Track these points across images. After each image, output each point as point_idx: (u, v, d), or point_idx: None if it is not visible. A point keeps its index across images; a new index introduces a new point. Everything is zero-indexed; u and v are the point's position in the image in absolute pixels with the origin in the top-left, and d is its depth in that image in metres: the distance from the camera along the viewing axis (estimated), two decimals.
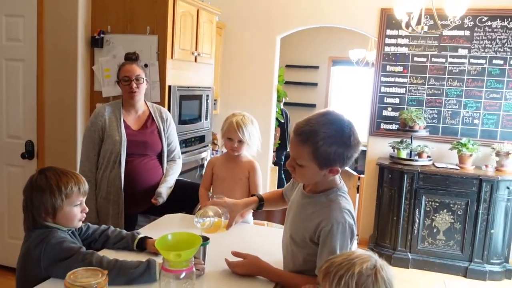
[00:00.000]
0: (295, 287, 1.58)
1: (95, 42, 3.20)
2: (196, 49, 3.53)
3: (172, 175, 2.69)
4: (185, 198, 2.61)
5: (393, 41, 4.31)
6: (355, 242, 1.69)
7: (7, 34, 3.28)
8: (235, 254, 1.74)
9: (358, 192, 4.68)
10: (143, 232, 1.97)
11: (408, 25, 3.24)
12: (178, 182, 2.74)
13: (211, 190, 2.49)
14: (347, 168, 5.03)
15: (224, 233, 1.91)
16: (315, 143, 1.45)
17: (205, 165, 2.83)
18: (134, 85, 2.55)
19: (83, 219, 1.72)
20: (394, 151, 4.26)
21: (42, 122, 3.29)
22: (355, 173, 4.72)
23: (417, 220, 4.07)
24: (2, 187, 3.45)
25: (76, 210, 1.67)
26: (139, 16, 3.14)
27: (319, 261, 1.53)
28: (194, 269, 1.39)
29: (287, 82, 7.52)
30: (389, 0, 4.01)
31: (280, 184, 5.56)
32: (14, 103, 3.34)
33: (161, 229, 2.10)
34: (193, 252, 1.37)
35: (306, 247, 1.59)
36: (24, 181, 3.40)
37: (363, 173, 4.70)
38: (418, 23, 3.22)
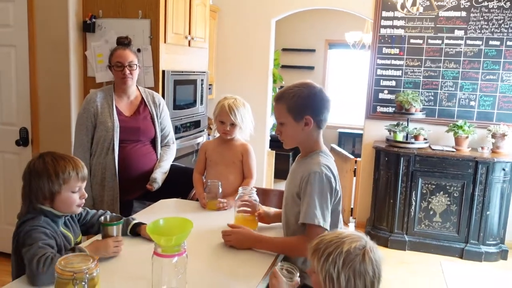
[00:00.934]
0: (288, 249, 1.72)
1: (87, 27, 3.16)
2: (189, 33, 3.49)
3: (167, 160, 2.68)
4: (180, 183, 2.61)
5: (389, 23, 4.26)
6: (350, 225, 1.73)
7: None
8: (230, 226, 1.88)
9: (354, 176, 4.70)
10: (138, 217, 1.98)
11: (403, 6, 3.21)
12: (172, 167, 2.73)
13: (205, 174, 2.48)
14: (342, 150, 5.00)
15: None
16: (287, 99, 1.71)
17: None
18: (127, 71, 2.52)
19: (82, 205, 1.70)
20: (390, 134, 4.25)
21: (36, 108, 3.26)
22: (351, 156, 4.74)
23: (413, 203, 4.08)
24: None
25: (75, 196, 1.65)
26: (131, 0, 3.10)
27: (301, 211, 1.68)
28: (185, 254, 1.39)
29: (283, 66, 7.49)
30: None
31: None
32: (7, 90, 3.31)
33: (156, 214, 2.10)
34: (184, 237, 1.37)
35: (294, 204, 1.74)
36: (20, 168, 3.42)
37: (359, 157, 4.70)
38: (414, 4, 3.19)
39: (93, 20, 3.15)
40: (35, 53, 3.18)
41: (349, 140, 7.49)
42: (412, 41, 4.24)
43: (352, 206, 4.78)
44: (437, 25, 4.14)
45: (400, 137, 4.15)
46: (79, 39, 3.18)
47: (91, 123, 2.51)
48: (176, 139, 3.33)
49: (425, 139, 4.16)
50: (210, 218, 2.14)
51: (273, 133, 5.57)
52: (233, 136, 2.38)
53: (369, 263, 1.17)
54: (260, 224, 2.04)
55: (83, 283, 1.19)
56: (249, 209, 2.00)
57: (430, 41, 4.18)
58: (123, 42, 2.61)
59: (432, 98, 4.26)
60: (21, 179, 3.29)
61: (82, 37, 3.20)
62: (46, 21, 3.13)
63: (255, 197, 2.04)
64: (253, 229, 1.93)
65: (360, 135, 4.75)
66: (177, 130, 3.42)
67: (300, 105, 1.69)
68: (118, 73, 2.53)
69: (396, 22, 4.25)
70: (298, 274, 1.38)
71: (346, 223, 4.77)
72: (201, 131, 3.81)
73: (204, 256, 1.74)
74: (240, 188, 2.07)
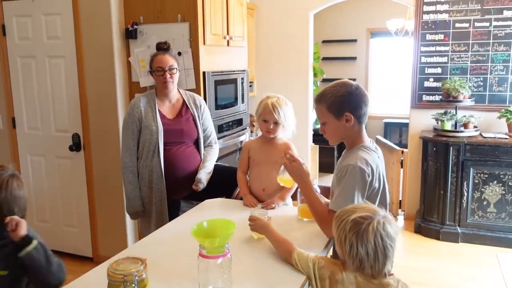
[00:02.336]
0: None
1: (129, 34, 3.27)
2: (227, 33, 3.53)
3: (210, 160, 2.74)
4: (225, 182, 2.65)
5: (431, 8, 4.12)
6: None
7: (47, 33, 3.41)
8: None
9: (402, 167, 4.58)
10: (185, 217, 2.02)
11: None
12: (216, 167, 2.78)
13: (248, 173, 2.51)
14: (387, 141, 4.91)
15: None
16: (326, 99, 1.80)
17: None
18: (168, 76, 2.58)
19: None
20: (438, 123, 4.12)
21: (86, 115, 3.42)
22: (397, 147, 4.63)
23: (465, 193, 3.93)
24: (54, 178, 3.64)
25: None
26: (170, 5, 3.17)
27: (330, 200, 1.79)
28: (229, 254, 1.42)
29: (325, 58, 7.41)
30: None
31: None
32: (58, 99, 3.49)
33: (203, 214, 2.16)
34: (227, 238, 1.41)
35: None
36: (74, 172, 3.60)
37: (406, 147, 4.59)
38: None
39: (135, 26, 3.25)
40: (83, 62, 3.33)
41: (396, 130, 7.31)
42: (457, 25, 4.07)
43: (400, 198, 4.67)
44: (484, 7, 3.95)
45: (448, 125, 4.01)
46: (123, 46, 3.30)
47: (136, 127, 2.60)
48: (219, 138, 3.40)
49: (475, 126, 4.00)
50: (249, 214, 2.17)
51: (317, 126, 5.56)
52: (276, 135, 2.38)
53: (372, 233, 1.30)
54: None
55: (133, 285, 1.25)
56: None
57: (477, 24, 4.00)
58: (162, 47, 2.68)
59: (482, 83, 4.08)
60: (76, 183, 3.47)
61: (125, 44, 3.31)
62: (91, 31, 3.26)
63: (316, 188, 2.02)
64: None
65: (407, 124, 4.62)
66: (220, 129, 3.47)
67: (339, 103, 1.78)
68: (159, 78, 2.60)
69: (439, 7, 4.10)
70: None
71: (395, 216, 4.67)
72: (243, 129, 3.85)
73: (248, 256, 1.77)
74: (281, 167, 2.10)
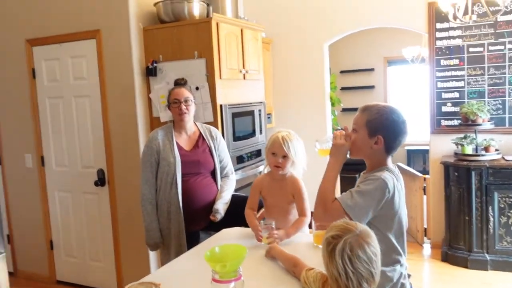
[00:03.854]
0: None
1: (150, 72, 3.42)
2: (243, 67, 3.65)
3: (227, 190, 2.79)
4: (242, 212, 2.67)
5: (444, 34, 4.16)
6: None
7: (74, 74, 3.61)
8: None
9: (425, 194, 4.53)
10: (203, 247, 2.05)
11: (455, 16, 3.14)
12: (234, 196, 2.83)
13: (259, 212, 2.49)
14: (409, 168, 4.87)
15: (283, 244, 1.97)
16: (369, 113, 1.77)
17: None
18: (184, 107, 2.69)
19: None
20: (458, 147, 4.08)
21: (110, 150, 3.55)
22: (419, 174, 4.59)
23: (491, 219, 3.84)
24: (80, 213, 3.76)
25: None
26: (187, 43, 3.32)
27: (344, 194, 1.73)
28: (242, 278, 1.46)
29: (343, 88, 7.49)
30: None
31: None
32: (84, 136, 3.65)
33: (220, 243, 2.19)
34: (239, 263, 1.44)
35: None
36: (99, 206, 3.72)
37: (428, 174, 4.54)
38: (466, 13, 3.11)
39: (154, 64, 3.41)
40: (106, 100, 3.50)
41: (419, 157, 7.24)
42: (471, 49, 4.09)
43: (425, 226, 4.59)
44: (497, 31, 3.97)
45: (469, 150, 3.97)
46: (143, 83, 3.45)
47: (155, 159, 2.69)
48: (238, 169, 3.47)
49: (496, 150, 3.95)
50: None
51: None
52: (285, 172, 2.33)
53: (339, 254, 1.28)
54: None
55: None
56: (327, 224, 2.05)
57: (491, 48, 4.02)
58: (180, 83, 2.81)
59: (500, 106, 4.05)
60: (101, 217, 3.57)
61: (146, 81, 3.47)
62: (114, 71, 3.44)
63: None
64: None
65: (426, 151, 4.60)
66: (238, 160, 3.54)
67: (379, 123, 1.74)
68: (175, 110, 2.71)
69: (452, 33, 4.14)
70: None
71: (420, 244, 4.58)
72: (261, 160, 3.90)
73: (261, 280, 1.79)
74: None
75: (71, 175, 3.75)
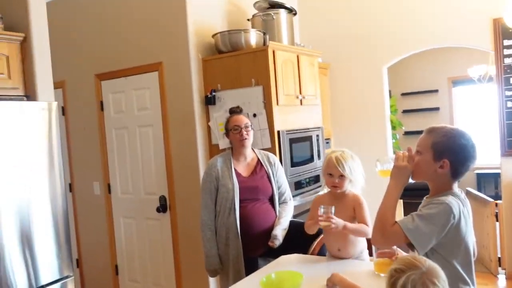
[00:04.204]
0: None
1: (208, 100, 3.52)
2: (300, 93, 3.66)
3: (286, 217, 2.77)
4: (300, 238, 2.64)
5: None
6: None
7: (138, 105, 3.80)
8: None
9: (497, 220, 4.23)
10: (261, 273, 2.03)
11: None
12: (292, 222, 2.80)
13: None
14: (479, 193, 4.60)
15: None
16: (436, 135, 1.69)
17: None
18: (244, 132, 2.74)
19: None
20: None
21: (171, 177, 3.66)
22: (490, 199, 4.31)
23: None
24: (144, 239, 3.87)
25: None
26: (244, 71, 3.39)
27: (406, 217, 1.64)
28: None
29: (405, 111, 7.27)
30: (500, 9, 3.73)
31: None
32: (147, 164, 3.79)
33: (278, 269, 2.16)
34: None
35: None
36: (161, 232, 3.82)
37: (500, 199, 4.25)
38: None
39: (213, 93, 3.50)
40: (168, 129, 3.63)
41: (490, 181, 6.81)
42: None
43: (499, 255, 4.26)
44: None
45: None
46: (203, 112, 3.55)
47: (214, 186, 2.73)
48: (297, 195, 3.44)
49: None
50: (326, 270, 2.13)
51: None
52: (344, 190, 2.33)
53: None
54: None
55: None
56: (387, 251, 2.02)
57: None
58: (235, 111, 2.86)
59: None
60: (163, 242, 3.64)
61: (205, 110, 3.57)
62: (175, 100, 3.57)
63: None
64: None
65: (498, 175, 4.32)
66: (297, 186, 3.52)
67: (446, 146, 1.66)
68: (236, 136, 2.75)
69: None
70: None
71: (494, 275, 4.25)
72: (320, 186, 3.84)
73: None
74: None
75: (135, 201, 3.90)
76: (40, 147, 2.51)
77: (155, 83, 3.66)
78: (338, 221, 2.18)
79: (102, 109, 4.01)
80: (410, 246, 1.61)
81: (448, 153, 1.65)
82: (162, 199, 3.71)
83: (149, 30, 3.65)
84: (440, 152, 1.66)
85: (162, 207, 3.70)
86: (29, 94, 2.75)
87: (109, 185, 4.04)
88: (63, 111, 4.23)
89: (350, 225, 2.24)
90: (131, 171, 3.89)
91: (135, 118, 3.83)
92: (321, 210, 2.19)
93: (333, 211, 2.18)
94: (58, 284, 2.52)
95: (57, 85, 4.21)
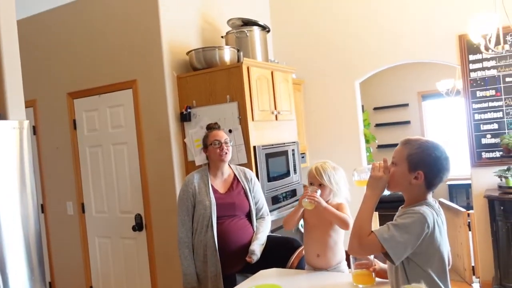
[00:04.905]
0: None
1: (184, 117, 3.51)
2: (275, 108, 3.69)
3: (263, 232, 2.77)
4: (279, 253, 2.65)
5: (478, 65, 4.10)
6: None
7: (112, 123, 3.76)
8: None
9: (470, 230, 4.33)
10: None
11: (487, 47, 3.11)
12: (270, 237, 2.80)
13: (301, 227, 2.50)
14: (451, 204, 4.69)
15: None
16: (411, 147, 1.73)
17: None
18: (225, 147, 2.74)
19: None
20: (501, 180, 3.92)
21: (147, 195, 3.62)
22: (462, 209, 4.41)
23: None
24: (119, 258, 3.80)
25: None
26: (219, 88, 3.41)
27: (381, 227, 1.66)
28: None
29: (378, 125, 7.42)
30: (464, 26, 3.87)
31: None
32: (122, 182, 3.74)
33: (257, 284, 2.16)
34: None
35: None
36: (138, 251, 3.74)
37: (472, 209, 4.35)
38: (498, 43, 3.07)
39: (188, 110, 3.50)
40: (143, 146, 3.60)
41: (461, 192, 6.98)
42: (508, 79, 4.00)
43: (473, 264, 4.35)
44: None
45: None
46: (178, 129, 3.54)
47: (191, 203, 2.72)
48: (273, 209, 3.45)
49: None
50: (306, 282, 2.14)
51: None
52: (327, 200, 2.36)
53: None
54: (378, 279, 2.04)
55: None
56: (365, 263, 2.04)
57: None
58: (213, 127, 2.86)
59: None
60: (139, 262, 3.59)
61: (180, 126, 3.56)
62: (150, 118, 3.55)
63: None
64: (371, 284, 1.99)
65: (469, 185, 4.43)
66: (274, 200, 3.52)
67: (420, 159, 1.70)
68: (215, 150, 2.75)
69: (486, 64, 4.08)
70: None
71: (469, 284, 4.33)
72: (297, 200, 3.86)
73: None
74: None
75: (110, 220, 3.83)
76: (10, 167, 2.45)
77: (129, 100, 3.64)
78: (321, 200, 2.26)
79: (75, 127, 3.95)
80: (386, 256, 1.64)
81: (423, 165, 1.69)
82: (138, 217, 3.65)
83: (122, 48, 3.64)
84: (415, 164, 1.69)
85: (138, 226, 3.64)
86: None
87: (83, 205, 3.95)
88: (34, 130, 4.15)
89: (331, 208, 2.29)
90: (106, 190, 3.83)
91: (109, 136, 3.78)
92: (308, 190, 2.28)
93: (318, 193, 2.28)
94: None
95: (28, 104, 4.12)
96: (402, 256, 1.62)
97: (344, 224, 2.28)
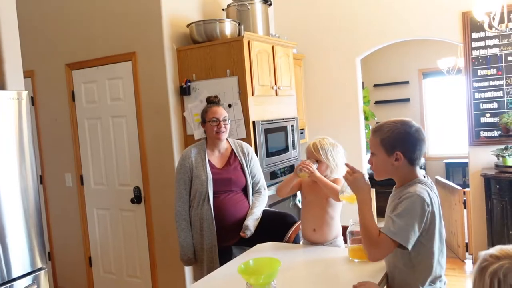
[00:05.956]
0: None
1: (183, 91, 3.50)
2: (275, 83, 3.67)
3: (258, 207, 2.79)
4: (276, 228, 2.68)
5: (480, 43, 4.07)
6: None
7: (111, 95, 3.74)
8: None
9: (465, 208, 4.38)
10: (236, 262, 2.06)
11: (490, 25, 3.08)
12: (267, 212, 2.83)
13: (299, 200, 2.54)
14: (448, 182, 4.73)
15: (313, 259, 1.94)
16: (382, 133, 1.77)
17: None
18: (222, 125, 2.73)
19: None
20: (499, 159, 3.94)
21: (145, 168, 3.63)
22: (458, 187, 4.45)
23: None
24: (118, 230, 3.84)
25: None
26: (219, 61, 3.38)
27: (386, 221, 1.70)
28: None
29: (377, 102, 7.40)
30: (469, 3, 3.83)
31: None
32: (121, 155, 3.75)
33: (254, 257, 2.19)
34: (273, 275, 1.44)
35: None
36: (136, 223, 3.78)
37: (468, 187, 4.39)
38: (502, 21, 3.04)
39: (188, 84, 3.48)
40: (142, 119, 3.59)
41: (458, 170, 7.02)
42: (509, 58, 3.98)
43: (466, 241, 4.42)
44: None
45: (510, 161, 3.82)
46: (177, 102, 3.53)
47: (188, 177, 2.73)
48: (271, 185, 3.47)
49: None
50: (302, 256, 2.18)
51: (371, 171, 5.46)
52: (324, 175, 2.37)
53: (489, 274, 1.20)
54: None
55: None
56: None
57: None
58: (213, 101, 2.84)
59: None
60: (137, 234, 3.63)
61: (180, 100, 3.54)
62: (149, 91, 3.53)
63: None
64: (366, 259, 1.98)
65: (466, 164, 4.46)
66: (272, 176, 3.55)
67: (393, 140, 1.74)
68: (213, 128, 2.74)
69: (488, 42, 4.04)
70: None
71: (462, 260, 4.41)
72: None
73: None
74: (350, 220, 2.14)
75: (108, 193, 3.85)
76: (9, 138, 2.45)
77: (128, 73, 3.61)
78: (315, 170, 2.30)
79: (73, 99, 3.93)
80: (399, 246, 1.67)
81: (398, 145, 1.73)
82: (137, 190, 3.68)
83: (122, 19, 3.59)
84: (391, 147, 1.74)
85: (137, 198, 3.67)
86: None
87: (81, 177, 3.97)
88: (33, 101, 4.13)
89: (324, 178, 2.32)
90: (105, 162, 3.84)
91: (108, 109, 3.77)
92: (306, 160, 2.33)
93: (315, 166, 2.32)
94: (31, 276, 2.47)
95: (26, 74, 4.10)
96: (413, 240, 1.65)
97: (336, 194, 2.29)
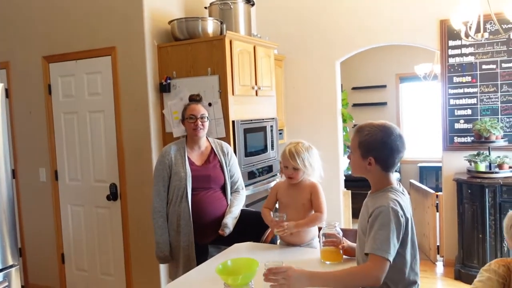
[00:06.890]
0: (351, 280, 1.65)
1: (163, 88, 3.47)
2: (256, 83, 3.68)
3: (237, 206, 2.80)
4: (253, 227, 2.69)
5: (457, 51, 4.17)
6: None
7: (89, 90, 3.68)
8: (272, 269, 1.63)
9: (438, 211, 4.48)
10: (214, 261, 2.06)
11: (467, 34, 3.15)
12: (246, 211, 2.84)
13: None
14: (421, 185, 4.83)
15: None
16: (361, 134, 1.78)
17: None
18: (199, 123, 2.73)
19: None
20: (471, 164, 4.05)
21: (122, 165, 3.59)
22: (431, 190, 4.55)
23: None
24: (92, 227, 3.78)
25: None
26: (200, 60, 3.37)
27: (366, 242, 1.69)
28: None
29: (355, 105, 7.49)
30: (447, 11, 3.92)
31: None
32: (98, 150, 3.69)
33: (231, 257, 2.19)
34: (251, 276, 1.45)
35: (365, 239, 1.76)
36: (111, 221, 3.74)
37: (441, 191, 4.50)
38: (478, 31, 3.12)
39: (168, 81, 3.46)
40: (120, 115, 3.54)
41: (431, 174, 7.18)
42: (484, 67, 4.09)
43: (438, 244, 4.53)
44: (510, 48, 3.97)
45: (482, 167, 3.93)
46: (157, 99, 3.50)
47: (167, 173, 2.72)
48: (249, 184, 3.48)
49: (510, 167, 3.91)
50: (279, 257, 2.18)
51: (348, 172, 5.56)
52: (298, 180, 2.39)
53: None
54: (345, 256, 2.11)
55: None
56: (334, 240, 2.09)
57: (504, 65, 4.01)
58: (195, 99, 2.85)
59: None
60: (112, 231, 3.60)
61: (159, 97, 3.51)
62: (128, 87, 3.49)
63: (338, 230, 2.12)
64: (338, 261, 2.05)
65: (439, 168, 4.57)
66: (250, 176, 3.56)
67: (368, 145, 1.76)
68: (190, 125, 2.74)
69: (464, 50, 4.15)
70: None
71: (433, 262, 4.51)
72: (273, 176, 3.91)
73: None
74: (323, 223, 2.15)
75: (84, 189, 3.79)
76: None
77: (107, 68, 3.56)
78: (290, 225, 2.27)
79: (50, 92, 3.85)
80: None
81: (372, 151, 1.75)
82: (113, 187, 3.63)
83: (102, 13, 3.54)
84: (365, 151, 1.76)
85: (113, 195, 3.62)
86: None
87: (56, 172, 3.90)
88: (7, 93, 4.02)
89: (301, 222, 2.31)
90: (80, 158, 3.78)
91: (85, 103, 3.71)
92: (276, 217, 2.32)
93: (284, 218, 2.30)
94: (1, 274, 2.42)
95: (1, 65, 4.03)
96: (395, 249, 1.67)
97: (319, 221, 2.32)
